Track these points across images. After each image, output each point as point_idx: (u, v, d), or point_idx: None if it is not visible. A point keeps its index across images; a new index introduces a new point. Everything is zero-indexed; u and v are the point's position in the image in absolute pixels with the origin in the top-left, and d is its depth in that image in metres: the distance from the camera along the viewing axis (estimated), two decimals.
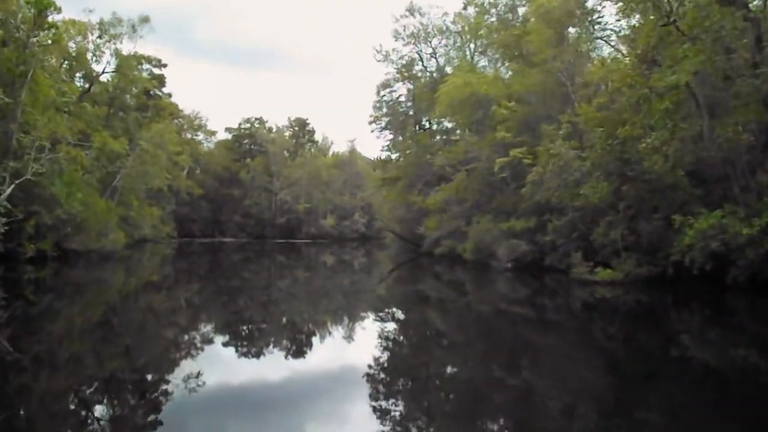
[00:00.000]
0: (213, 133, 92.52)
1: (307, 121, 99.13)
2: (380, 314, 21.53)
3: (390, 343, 15.97)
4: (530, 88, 34.58)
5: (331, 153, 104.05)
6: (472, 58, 51.51)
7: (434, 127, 57.74)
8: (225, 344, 15.00)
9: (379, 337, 16.58)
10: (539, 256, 32.34)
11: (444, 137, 55.86)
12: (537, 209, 33.51)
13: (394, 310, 23.47)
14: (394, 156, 62.01)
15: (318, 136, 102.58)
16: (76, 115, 39.99)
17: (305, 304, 24.02)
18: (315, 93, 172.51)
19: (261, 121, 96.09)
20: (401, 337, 17.41)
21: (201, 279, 32.94)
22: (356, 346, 15.35)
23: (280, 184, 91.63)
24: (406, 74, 57.12)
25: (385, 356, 14.09)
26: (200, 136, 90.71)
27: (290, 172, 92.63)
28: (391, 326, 19.47)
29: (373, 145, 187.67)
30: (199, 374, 10.53)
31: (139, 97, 57.00)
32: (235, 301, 24.01)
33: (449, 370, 13.24)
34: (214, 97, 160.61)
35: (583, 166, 27.45)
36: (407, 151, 57.90)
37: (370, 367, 12.30)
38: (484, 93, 36.82)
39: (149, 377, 11.18)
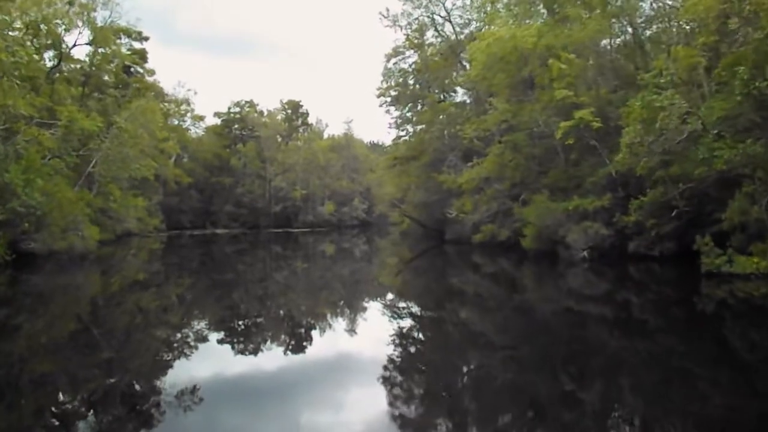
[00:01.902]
0: (201, 118, 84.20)
1: (300, 103, 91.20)
2: (399, 312, 17.60)
3: (411, 343, 13.22)
4: (594, 36, 27.46)
5: (326, 136, 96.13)
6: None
7: (446, 99, 50.21)
8: (220, 346, 12.62)
9: (399, 337, 13.17)
10: (618, 241, 25.44)
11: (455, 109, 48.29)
12: (609, 183, 26.67)
13: (417, 308, 18.78)
14: (404, 132, 54.24)
15: (312, 119, 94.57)
16: (38, 88, 32.56)
17: (307, 301, 19.91)
18: (304, 80, 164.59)
19: (251, 104, 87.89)
20: (427, 338, 14.00)
21: (193, 274, 28.88)
22: (369, 347, 12.43)
23: (274, 170, 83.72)
24: (416, 41, 49.51)
25: (407, 358, 11.56)
26: (188, 122, 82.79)
27: (284, 157, 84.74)
28: (413, 325, 15.63)
29: (371, 127, 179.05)
30: (195, 389, 8.82)
31: (118, 74, 48.95)
32: (229, 296, 20.63)
33: (492, 377, 10.07)
34: (203, 88, 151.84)
35: (691, 124, 20.50)
36: (419, 127, 50.46)
37: (386, 369, 10.28)
38: (530, 47, 29.55)
39: (136, 391, 9.23)
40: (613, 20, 27.40)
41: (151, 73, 52.50)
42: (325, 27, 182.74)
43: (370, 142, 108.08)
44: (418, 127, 51.28)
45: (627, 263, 24.46)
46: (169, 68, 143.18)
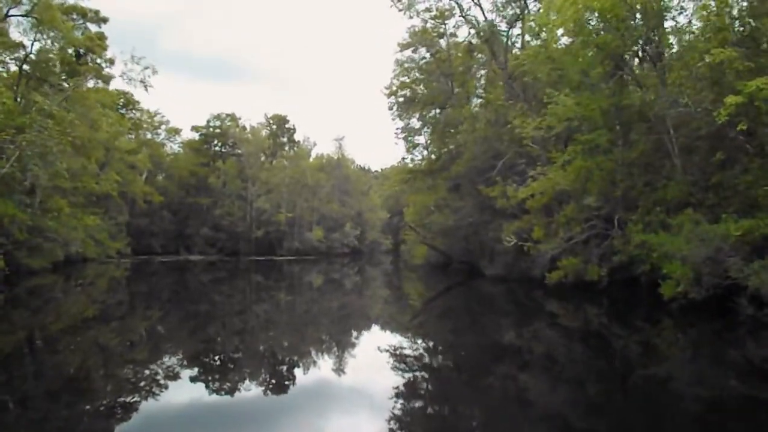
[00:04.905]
0: (177, 131, 73.86)
1: (287, 118, 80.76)
2: (420, 372, 10.77)
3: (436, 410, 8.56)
4: None
5: (314, 155, 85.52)
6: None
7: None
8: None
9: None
10: None
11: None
12: None
13: (453, 371, 11.30)
14: (417, 141, 43.68)
15: (299, 137, 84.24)
16: None
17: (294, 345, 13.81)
18: (291, 104, 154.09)
19: (233, 117, 77.27)
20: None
21: (163, 305, 22.24)
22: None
23: (256, 190, 72.85)
24: (435, 32, 39.32)
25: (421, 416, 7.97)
26: (162, 135, 72.32)
27: (268, 176, 74.00)
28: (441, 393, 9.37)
29: (360, 152, 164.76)
30: None
31: (67, 60, 37.92)
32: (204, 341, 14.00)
33: None
34: (185, 111, 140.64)
35: None
36: (433, 135, 40.24)
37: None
38: None
39: None
40: None
41: (111, 62, 41.81)
42: (313, 52, 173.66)
43: (358, 166, 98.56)
44: (432, 136, 41.25)
45: None
46: (150, 90, 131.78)
